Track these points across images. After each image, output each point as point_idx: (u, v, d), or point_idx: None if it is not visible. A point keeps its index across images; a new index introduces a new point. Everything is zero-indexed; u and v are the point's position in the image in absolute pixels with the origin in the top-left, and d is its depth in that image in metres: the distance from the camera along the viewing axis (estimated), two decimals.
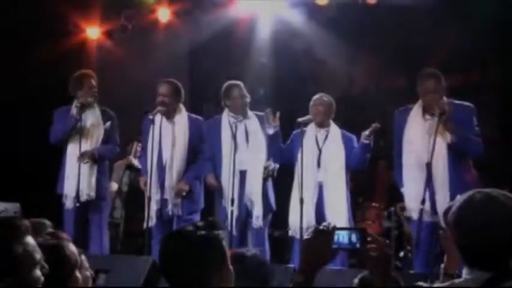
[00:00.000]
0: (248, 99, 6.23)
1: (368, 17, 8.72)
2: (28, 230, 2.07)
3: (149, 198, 6.09)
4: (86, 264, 2.45)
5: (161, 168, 6.14)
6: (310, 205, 5.84)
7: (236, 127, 6.05)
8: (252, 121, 6.21)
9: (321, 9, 8.43)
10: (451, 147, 5.47)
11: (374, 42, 9.55)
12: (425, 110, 5.57)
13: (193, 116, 6.39)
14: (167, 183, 6.13)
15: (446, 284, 2.21)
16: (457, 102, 5.65)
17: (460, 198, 2.18)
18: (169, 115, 6.20)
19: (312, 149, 5.97)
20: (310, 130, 6.07)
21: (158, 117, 6.13)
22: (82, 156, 6.12)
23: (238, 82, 6.30)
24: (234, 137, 6.04)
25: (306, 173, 5.81)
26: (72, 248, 2.36)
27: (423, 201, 5.37)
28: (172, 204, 6.13)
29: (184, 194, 6.13)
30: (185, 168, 6.18)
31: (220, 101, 6.33)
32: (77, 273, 2.34)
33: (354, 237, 2.21)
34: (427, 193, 5.40)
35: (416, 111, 5.66)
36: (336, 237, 2.21)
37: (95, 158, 6.23)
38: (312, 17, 8.59)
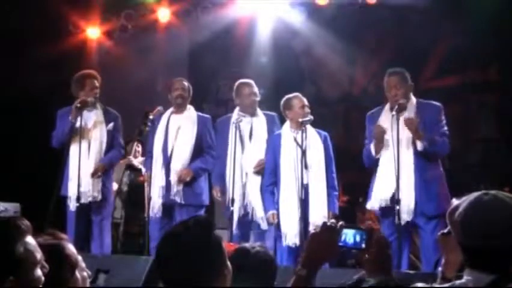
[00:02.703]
0: (257, 98, 6.26)
1: (368, 17, 8.73)
2: (29, 230, 2.08)
3: (150, 198, 6.11)
4: (82, 264, 2.45)
5: (166, 156, 6.20)
6: (297, 207, 5.80)
7: (239, 127, 6.05)
8: (260, 120, 6.22)
9: (321, 9, 8.45)
10: (416, 146, 5.49)
11: (374, 42, 9.56)
12: (392, 107, 5.58)
13: (201, 113, 6.51)
14: (172, 166, 6.18)
15: (446, 285, 2.21)
16: (424, 101, 5.68)
17: (466, 199, 2.17)
18: (180, 111, 6.33)
19: (294, 150, 5.87)
20: (286, 132, 6.00)
21: (167, 113, 6.29)
22: (95, 172, 6.14)
23: (249, 81, 6.35)
24: (240, 135, 6.07)
25: (292, 174, 5.79)
26: (71, 248, 2.36)
27: (397, 202, 5.38)
28: (176, 191, 6.15)
29: (187, 179, 6.16)
30: (191, 159, 6.23)
31: (219, 101, 6.36)
32: (77, 274, 2.34)
33: (359, 237, 2.23)
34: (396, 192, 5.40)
35: (385, 109, 5.70)
36: (342, 236, 2.22)
37: (106, 170, 6.27)
38: (311, 17, 8.61)
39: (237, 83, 6.35)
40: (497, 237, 2.06)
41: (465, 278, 2.13)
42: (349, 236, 2.22)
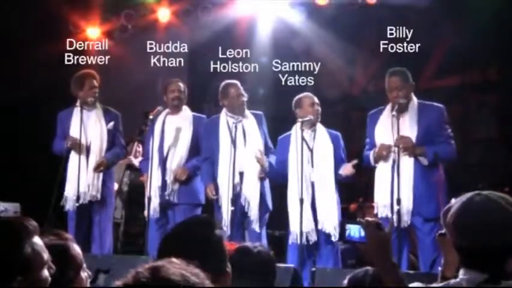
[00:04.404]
0: (245, 98, 6.22)
1: (368, 17, 8.73)
2: (36, 230, 2.08)
3: (149, 199, 6.12)
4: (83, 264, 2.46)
5: (162, 156, 6.22)
6: (307, 205, 5.82)
7: (236, 127, 6.05)
8: (250, 121, 6.20)
9: (321, 9, 8.44)
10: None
11: (374, 42, 9.55)
12: (393, 108, 5.57)
13: (196, 114, 6.50)
14: (168, 165, 6.20)
15: (441, 284, 2.22)
16: (426, 103, 5.67)
17: (459, 200, 2.19)
18: (175, 112, 6.33)
19: (301, 149, 5.86)
20: (295, 131, 6.01)
21: (162, 114, 6.27)
22: (98, 167, 6.17)
23: (235, 81, 6.31)
24: (234, 138, 6.05)
25: (300, 173, 5.80)
26: (77, 248, 2.37)
27: (398, 202, 5.38)
28: (170, 190, 6.16)
29: (183, 178, 6.16)
30: (187, 159, 6.25)
31: (218, 101, 6.35)
32: (82, 274, 2.34)
33: (364, 232, 2.24)
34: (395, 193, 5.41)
35: (387, 110, 5.69)
36: (347, 232, 2.24)
37: (108, 166, 6.29)
38: (311, 17, 8.60)
39: (222, 84, 6.31)
40: (489, 237, 2.08)
41: (460, 278, 2.15)
42: (354, 230, 2.25)
